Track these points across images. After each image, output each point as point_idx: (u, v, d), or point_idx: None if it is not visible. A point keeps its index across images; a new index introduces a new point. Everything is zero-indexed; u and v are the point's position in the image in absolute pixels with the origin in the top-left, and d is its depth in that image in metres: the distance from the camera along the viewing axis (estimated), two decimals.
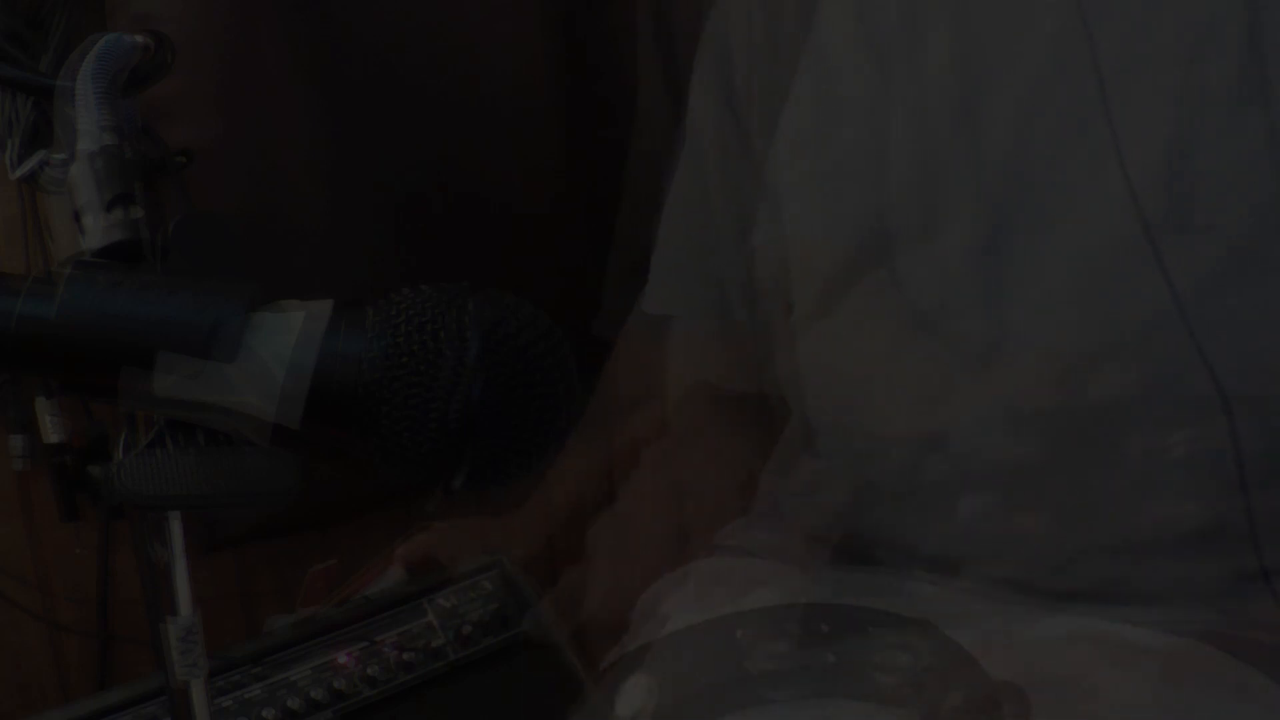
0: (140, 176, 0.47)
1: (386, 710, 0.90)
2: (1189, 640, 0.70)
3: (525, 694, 0.94)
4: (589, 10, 1.32)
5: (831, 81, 0.83)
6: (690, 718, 0.71)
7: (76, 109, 0.48)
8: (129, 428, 0.44)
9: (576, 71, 1.32)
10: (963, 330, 0.77)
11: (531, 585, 0.99)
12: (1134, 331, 0.71)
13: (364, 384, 0.42)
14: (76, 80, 0.48)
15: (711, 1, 0.94)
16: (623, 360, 1.06)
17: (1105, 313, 0.72)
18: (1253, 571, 0.72)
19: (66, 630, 1.27)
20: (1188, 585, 0.73)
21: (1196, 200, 0.68)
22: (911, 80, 0.78)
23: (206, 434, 0.43)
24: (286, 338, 0.42)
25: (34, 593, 1.25)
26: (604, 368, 1.05)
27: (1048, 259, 0.73)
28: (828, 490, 0.88)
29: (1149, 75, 0.69)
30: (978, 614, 0.75)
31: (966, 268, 0.76)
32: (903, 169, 0.79)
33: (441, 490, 0.44)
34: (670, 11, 1.22)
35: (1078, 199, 0.72)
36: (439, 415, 0.42)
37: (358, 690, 0.90)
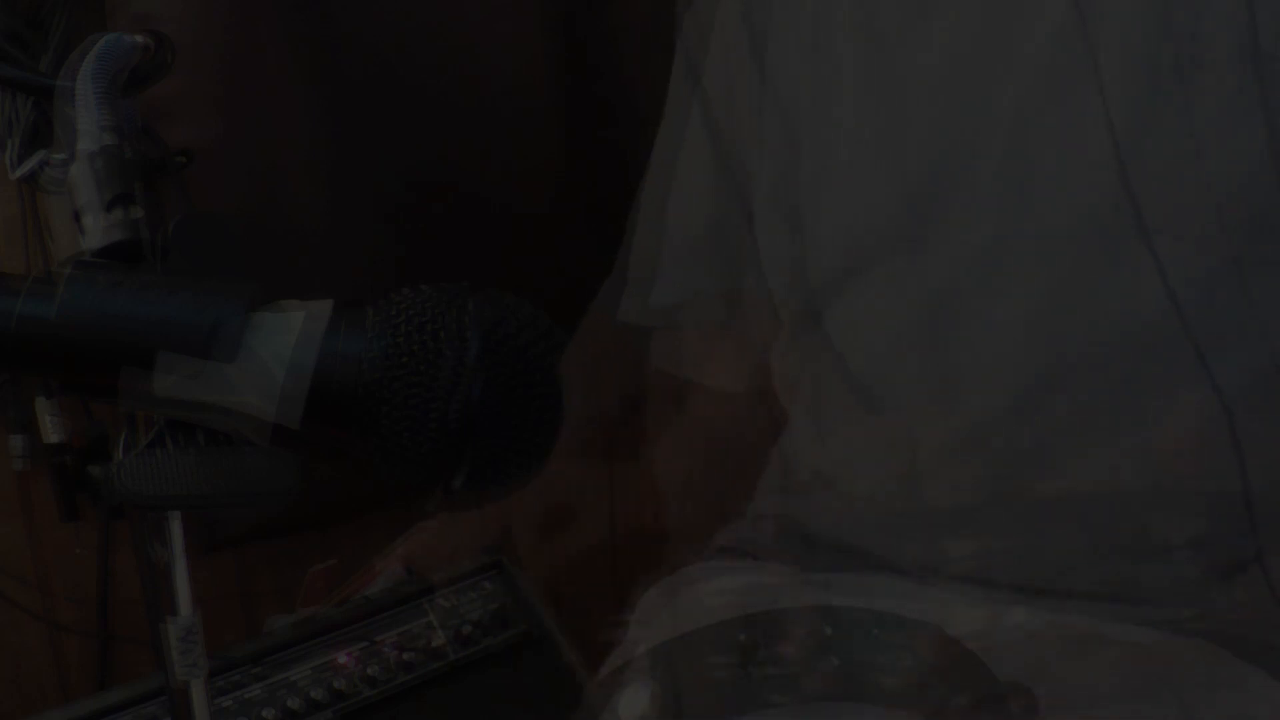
0: (140, 176, 0.47)
1: (386, 710, 0.90)
2: (1176, 636, 0.70)
3: (525, 694, 0.94)
4: (589, 10, 1.32)
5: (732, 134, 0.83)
6: None
7: (76, 109, 0.48)
8: (129, 428, 0.44)
9: (576, 71, 1.32)
10: (903, 393, 0.77)
11: (531, 585, 0.99)
12: (1129, 328, 0.70)
13: (364, 384, 0.42)
14: (76, 80, 0.48)
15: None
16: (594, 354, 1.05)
17: (1090, 316, 0.71)
18: (1245, 560, 0.71)
19: (66, 630, 1.27)
20: (1179, 583, 0.73)
21: (1193, 200, 0.68)
22: (821, 140, 0.78)
23: (206, 434, 0.43)
24: (286, 338, 0.42)
25: (34, 593, 1.25)
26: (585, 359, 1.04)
27: (1012, 284, 0.72)
28: (804, 506, 0.89)
29: (1148, 81, 0.69)
30: (958, 613, 0.75)
31: (904, 327, 0.75)
32: (821, 229, 0.78)
33: (441, 490, 0.44)
34: None
35: (1066, 199, 0.71)
36: (439, 415, 0.42)
37: (358, 690, 0.90)
